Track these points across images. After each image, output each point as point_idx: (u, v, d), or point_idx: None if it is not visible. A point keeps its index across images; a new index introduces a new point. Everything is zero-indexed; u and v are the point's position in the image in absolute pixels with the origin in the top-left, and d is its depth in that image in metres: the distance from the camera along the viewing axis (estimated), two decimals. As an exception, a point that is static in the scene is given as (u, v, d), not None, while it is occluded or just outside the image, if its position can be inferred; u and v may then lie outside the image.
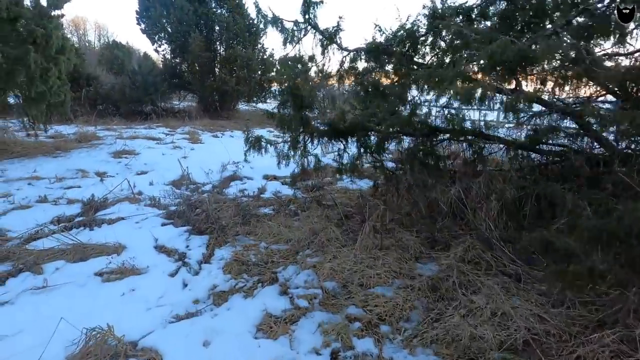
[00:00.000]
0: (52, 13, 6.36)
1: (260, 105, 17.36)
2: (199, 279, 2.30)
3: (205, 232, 3.04)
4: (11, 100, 7.67)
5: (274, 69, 14.00)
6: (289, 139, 3.75)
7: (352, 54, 4.27)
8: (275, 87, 15.12)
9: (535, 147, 3.42)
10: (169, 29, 13.41)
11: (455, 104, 3.90)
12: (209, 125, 11.45)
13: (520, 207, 3.30)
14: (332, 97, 5.10)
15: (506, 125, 4.27)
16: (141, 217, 3.50)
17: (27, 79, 5.90)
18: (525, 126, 3.71)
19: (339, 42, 3.97)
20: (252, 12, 14.19)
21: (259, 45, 14.11)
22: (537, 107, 3.33)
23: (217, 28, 13.69)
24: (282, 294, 2.17)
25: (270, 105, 18.46)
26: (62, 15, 6.60)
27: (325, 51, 4.21)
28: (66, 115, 7.74)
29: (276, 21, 3.84)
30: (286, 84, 3.32)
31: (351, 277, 2.34)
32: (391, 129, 3.02)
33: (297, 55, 4.22)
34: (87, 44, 35.22)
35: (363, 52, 4.26)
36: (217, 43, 13.69)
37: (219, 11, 13.73)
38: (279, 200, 4.27)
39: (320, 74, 4.21)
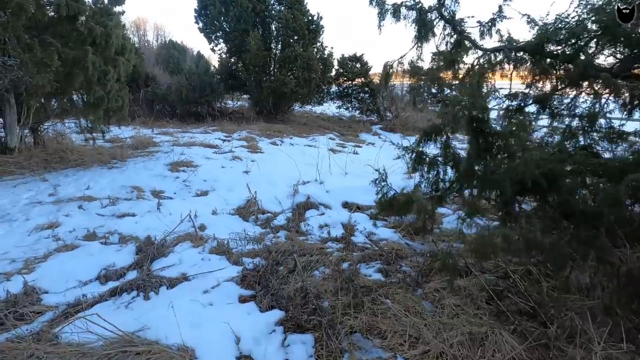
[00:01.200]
0: (114, 9, 5.78)
1: (315, 108, 16.48)
2: None
3: (306, 328, 2.02)
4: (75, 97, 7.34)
5: (334, 69, 13.00)
6: (430, 189, 2.61)
7: (491, 55, 3.07)
8: (335, 88, 14.13)
9: None
10: (227, 28, 12.87)
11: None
12: (265, 130, 10.68)
13: None
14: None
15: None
16: (210, 280, 2.57)
17: (84, 82, 5.35)
18: None
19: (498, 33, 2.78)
20: (311, 9, 13.27)
21: (318, 44, 13.16)
22: None
23: (274, 26, 12.94)
24: None
25: (327, 107, 17.56)
26: (123, 12, 6.01)
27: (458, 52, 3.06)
28: (124, 120, 7.25)
29: (410, 8, 2.71)
30: (460, 110, 2.13)
31: None
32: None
33: (417, 57, 3.09)
34: (146, 44, 36.63)
35: (506, 52, 3.03)
36: (274, 41, 12.94)
37: (277, 8, 12.96)
38: (382, 252, 3.19)
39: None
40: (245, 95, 15.02)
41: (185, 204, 4.37)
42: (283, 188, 5.31)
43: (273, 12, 12.70)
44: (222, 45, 13.71)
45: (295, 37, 12.39)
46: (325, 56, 12.55)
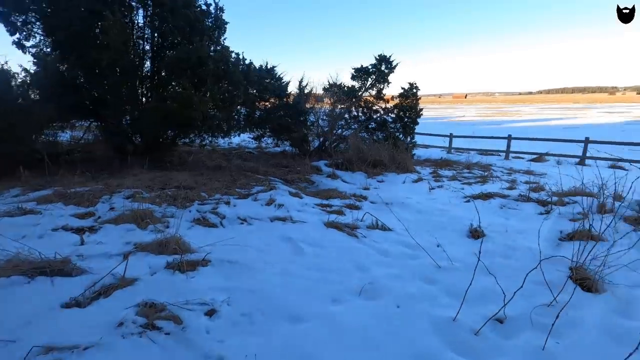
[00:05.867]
0: None
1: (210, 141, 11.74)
2: None
3: None
4: None
5: (252, 81, 8.83)
6: None
7: None
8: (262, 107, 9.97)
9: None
10: (49, 6, 7.24)
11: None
12: (160, 184, 5.81)
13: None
14: None
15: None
16: None
17: None
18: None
19: None
20: (201, -4, 8.87)
21: (219, 47, 8.83)
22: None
23: (145, 12, 8.07)
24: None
25: (242, 137, 12.90)
26: None
27: None
28: None
29: None
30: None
31: None
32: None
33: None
34: None
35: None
36: (150, 39, 8.03)
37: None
38: None
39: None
40: (90, 122, 9.13)
41: None
42: None
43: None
44: (41, 38, 7.84)
45: (186, 33, 7.80)
46: (241, 62, 8.35)
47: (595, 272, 2.84)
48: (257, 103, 9.58)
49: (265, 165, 8.57)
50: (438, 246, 3.68)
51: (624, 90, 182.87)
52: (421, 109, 11.34)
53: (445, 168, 9.29)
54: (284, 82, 10.65)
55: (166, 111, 6.33)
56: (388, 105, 11.66)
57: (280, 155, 10.67)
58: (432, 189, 6.51)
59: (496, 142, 13.75)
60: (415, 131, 11.54)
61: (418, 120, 11.51)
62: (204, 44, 6.75)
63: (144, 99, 8.41)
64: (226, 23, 8.83)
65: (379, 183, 7.19)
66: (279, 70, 10.60)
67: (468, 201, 5.48)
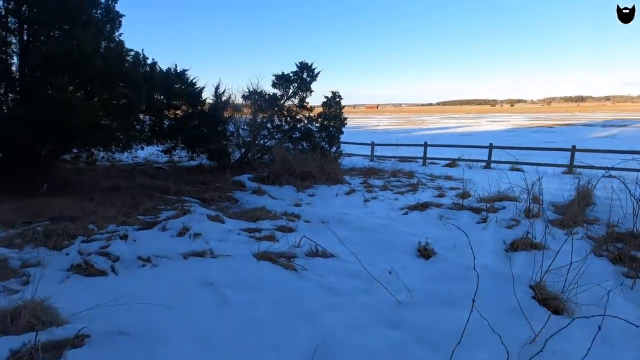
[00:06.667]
0: None
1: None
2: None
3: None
4: None
5: (157, 84, 7.49)
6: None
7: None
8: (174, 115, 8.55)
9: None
10: None
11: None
12: (27, 216, 4.35)
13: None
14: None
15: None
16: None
17: None
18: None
19: None
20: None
21: (112, 44, 7.37)
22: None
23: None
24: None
25: (150, 150, 10.96)
26: None
27: None
28: None
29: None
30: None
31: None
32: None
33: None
34: None
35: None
36: (25, 28, 6.29)
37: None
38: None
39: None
40: None
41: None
42: None
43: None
44: None
45: (66, 24, 6.29)
46: (142, 62, 7.03)
47: (561, 291, 2.61)
48: (166, 111, 8.26)
49: (177, 182, 7.33)
50: (390, 273, 3.20)
51: (502, 103, 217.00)
52: (345, 118, 11.22)
53: (374, 177, 9.18)
54: (197, 87, 9.46)
55: (38, 119, 4.84)
56: (312, 114, 11.26)
57: (197, 169, 9.43)
58: (367, 201, 6.17)
59: (412, 149, 14.41)
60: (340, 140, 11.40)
61: (343, 129, 11.36)
62: (89, 37, 5.40)
63: (10, 104, 6.58)
64: (121, 16, 7.43)
65: (310, 197, 6.61)
66: (191, 75, 9.41)
67: (406, 213, 5.21)
